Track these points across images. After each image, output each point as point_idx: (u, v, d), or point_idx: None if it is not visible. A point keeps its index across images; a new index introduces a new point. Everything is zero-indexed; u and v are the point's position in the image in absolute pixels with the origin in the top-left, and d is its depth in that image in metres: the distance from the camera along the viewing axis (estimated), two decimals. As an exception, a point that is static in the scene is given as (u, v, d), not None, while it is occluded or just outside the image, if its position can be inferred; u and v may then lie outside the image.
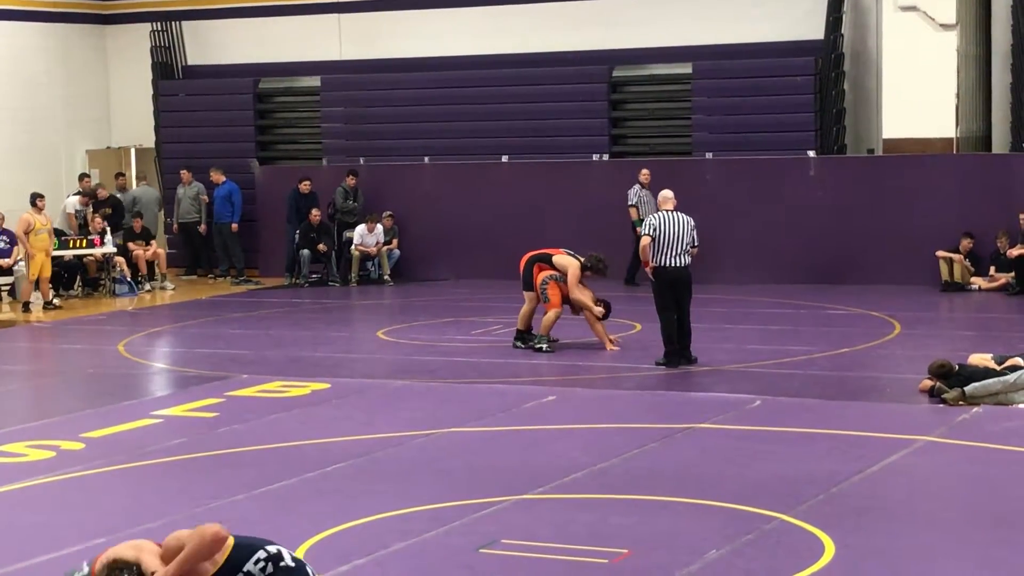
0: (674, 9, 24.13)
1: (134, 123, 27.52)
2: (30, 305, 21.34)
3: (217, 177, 24.85)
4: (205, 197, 25.11)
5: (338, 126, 26.00)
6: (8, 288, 22.80)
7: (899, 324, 17.80)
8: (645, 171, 22.39)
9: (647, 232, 15.14)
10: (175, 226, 25.55)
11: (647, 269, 15.44)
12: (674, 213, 15.18)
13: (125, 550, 6.41)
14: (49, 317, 20.78)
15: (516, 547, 8.65)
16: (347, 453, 11.30)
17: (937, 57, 22.10)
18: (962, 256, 21.27)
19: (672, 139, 24.20)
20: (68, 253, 22.86)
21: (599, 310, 16.28)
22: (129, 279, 23.20)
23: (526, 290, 16.57)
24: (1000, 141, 22.58)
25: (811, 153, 22.54)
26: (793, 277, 22.02)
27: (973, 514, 9.36)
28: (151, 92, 26.86)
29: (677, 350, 15.17)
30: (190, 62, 27.15)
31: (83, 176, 25.61)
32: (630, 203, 22.23)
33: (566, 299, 16.34)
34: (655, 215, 15.31)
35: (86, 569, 6.48)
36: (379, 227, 23.95)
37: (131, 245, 23.77)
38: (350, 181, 24.41)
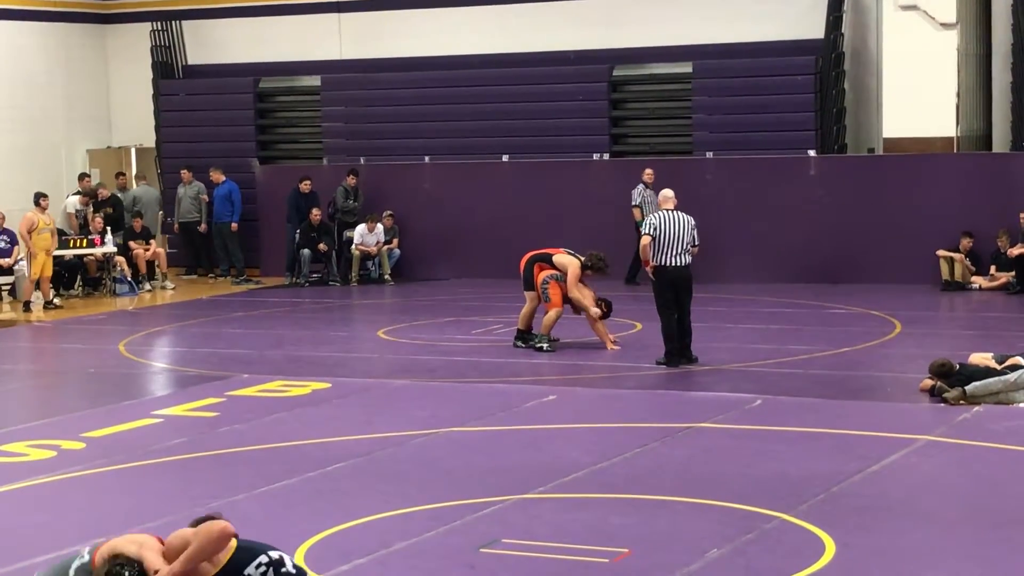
0: (674, 8, 24.12)
1: (134, 123, 27.53)
2: (31, 305, 21.34)
3: (217, 176, 24.85)
4: (205, 197, 25.12)
5: (338, 125, 26.00)
6: (9, 288, 22.82)
7: (900, 323, 17.80)
8: (649, 171, 22.37)
9: (647, 231, 15.14)
10: (176, 226, 25.56)
11: (647, 268, 15.44)
12: (674, 212, 15.18)
13: (127, 544, 6.38)
14: (50, 317, 20.79)
15: (517, 546, 8.65)
16: (348, 453, 11.31)
17: (937, 56, 22.11)
18: (963, 255, 21.27)
19: (672, 138, 24.20)
20: (69, 253, 22.87)
21: (595, 311, 16.26)
22: (129, 279, 23.22)
23: (527, 290, 16.57)
24: (1001, 140, 22.58)
25: (811, 152, 22.55)
26: (794, 276, 22.02)
27: (974, 513, 9.35)
28: (151, 92, 26.87)
29: (678, 349, 15.16)
30: (190, 62, 27.15)
31: (83, 176, 25.61)
32: (634, 203, 22.21)
33: (567, 298, 16.34)
34: (655, 214, 15.31)
35: (87, 557, 6.46)
36: (379, 226, 23.96)
37: (131, 245, 23.78)
38: (350, 180, 24.41)
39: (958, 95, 22.27)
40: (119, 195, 25.30)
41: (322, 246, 23.84)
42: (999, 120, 22.58)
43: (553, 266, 16.47)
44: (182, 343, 18.42)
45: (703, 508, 9.48)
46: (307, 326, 19.34)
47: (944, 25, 22.16)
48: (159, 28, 26.88)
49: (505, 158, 24.23)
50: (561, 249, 16.77)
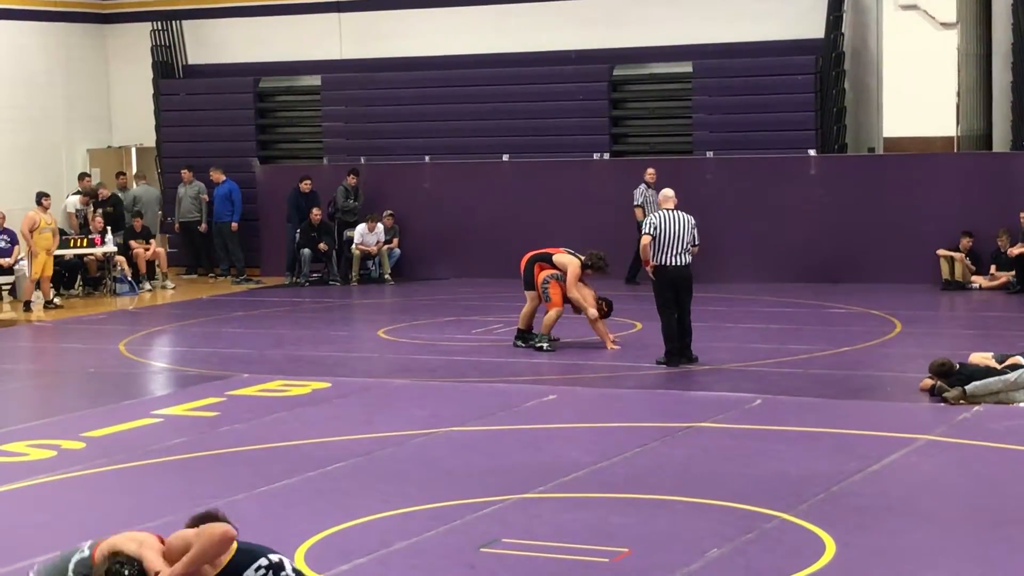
0: (674, 8, 24.12)
1: (135, 122, 27.53)
2: (31, 304, 21.34)
3: (217, 176, 24.85)
4: (205, 196, 25.12)
5: (339, 125, 26.00)
6: (9, 287, 22.82)
7: (900, 323, 17.80)
8: (651, 170, 22.36)
9: (647, 231, 15.14)
10: (176, 225, 25.56)
11: (648, 268, 15.44)
12: (674, 212, 15.17)
13: (127, 543, 6.37)
14: (50, 316, 20.79)
15: (516, 546, 8.65)
16: (348, 452, 11.31)
17: (938, 56, 22.10)
18: (963, 255, 21.27)
19: (673, 138, 24.19)
20: (69, 252, 22.87)
21: (593, 312, 16.24)
22: (130, 278, 23.22)
23: (527, 289, 16.57)
24: (1001, 140, 22.58)
25: (812, 152, 22.54)
26: (794, 276, 22.02)
27: (974, 513, 9.35)
28: (151, 91, 26.87)
29: (678, 349, 15.16)
30: (190, 61, 27.15)
31: (83, 175, 25.61)
32: (636, 203, 22.19)
33: (567, 298, 16.34)
34: (655, 214, 15.31)
35: (87, 552, 6.45)
36: (380, 226, 23.96)
37: (132, 244, 23.78)
38: (351, 180, 24.40)
39: (958, 95, 22.27)
40: (119, 195, 25.30)
41: (322, 246, 23.85)
42: (999, 120, 22.58)
43: (553, 266, 16.46)
44: (182, 343, 18.43)
45: (703, 508, 9.48)
46: (307, 326, 19.34)
47: (944, 25, 22.16)
48: (159, 28, 26.88)
49: (505, 158, 24.23)
50: (561, 249, 16.77)
